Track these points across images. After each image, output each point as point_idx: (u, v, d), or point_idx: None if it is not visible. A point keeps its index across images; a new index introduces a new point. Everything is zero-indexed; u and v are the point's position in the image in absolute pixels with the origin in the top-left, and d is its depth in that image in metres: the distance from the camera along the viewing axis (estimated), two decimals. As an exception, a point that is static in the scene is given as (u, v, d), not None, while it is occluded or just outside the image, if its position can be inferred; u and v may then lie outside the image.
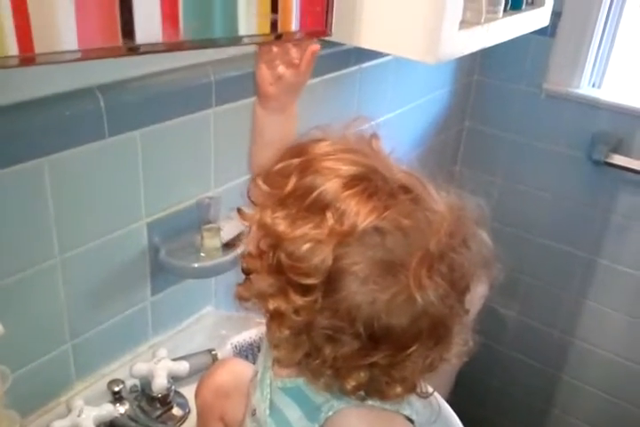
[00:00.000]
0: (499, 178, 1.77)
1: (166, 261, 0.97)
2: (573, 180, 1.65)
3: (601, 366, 1.80)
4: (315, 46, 0.78)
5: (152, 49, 0.67)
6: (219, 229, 0.99)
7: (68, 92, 0.78)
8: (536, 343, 1.90)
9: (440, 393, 1.01)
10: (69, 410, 0.87)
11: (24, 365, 0.86)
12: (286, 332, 0.60)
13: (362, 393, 0.63)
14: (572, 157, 1.63)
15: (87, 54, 0.62)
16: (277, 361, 0.67)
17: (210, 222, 0.99)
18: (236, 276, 1.01)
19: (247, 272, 0.63)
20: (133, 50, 0.65)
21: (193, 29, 0.69)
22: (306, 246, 0.56)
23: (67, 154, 0.79)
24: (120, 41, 0.63)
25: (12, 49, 0.57)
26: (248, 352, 1.07)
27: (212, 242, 0.99)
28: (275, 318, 0.60)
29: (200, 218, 0.99)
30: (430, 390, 0.68)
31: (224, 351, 1.05)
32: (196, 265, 0.98)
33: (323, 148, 0.62)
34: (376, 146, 0.64)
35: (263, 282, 0.60)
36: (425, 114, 1.56)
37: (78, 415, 0.84)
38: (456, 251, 0.59)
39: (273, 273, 0.59)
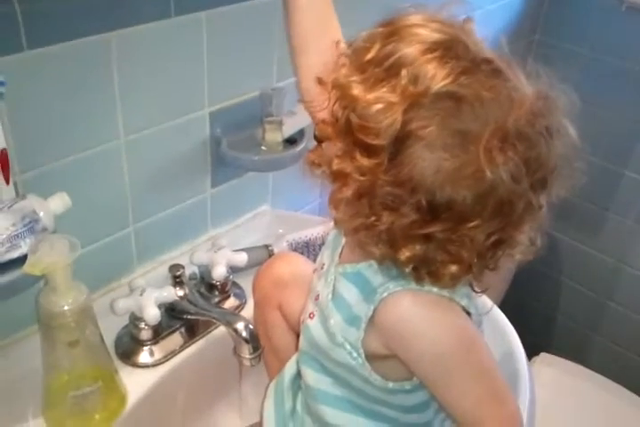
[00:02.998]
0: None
1: (227, 152, 0.96)
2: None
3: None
4: None
5: None
6: (281, 123, 0.98)
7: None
8: (587, 270, 1.86)
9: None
10: (131, 291, 0.89)
11: (88, 244, 0.87)
12: (348, 192, 0.59)
13: (415, 272, 0.62)
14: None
15: None
16: (335, 222, 0.67)
17: (272, 115, 0.97)
18: (293, 176, 1.00)
19: (319, 140, 0.62)
20: None
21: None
22: (377, 107, 0.55)
23: (133, 30, 0.77)
24: None
25: None
26: (303, 250, 1.08)
27: (273, 135, 0.98)
28: (338, 178, 0.60)
29: (263, 110, 0.97)
30: (483, 288, 0.67)
31: (280, 248, 1.06)
32: (256, 158, 0.97)
33: (412, 19, 0.59)
34: (468, 28, 0.61)
35: (333, 147, 0.60)
36: (492, 22, 1.47)
37: (140, 295, 0.86)
38: (537, 132, 0.57)
39: (342, 135, 0.58)
